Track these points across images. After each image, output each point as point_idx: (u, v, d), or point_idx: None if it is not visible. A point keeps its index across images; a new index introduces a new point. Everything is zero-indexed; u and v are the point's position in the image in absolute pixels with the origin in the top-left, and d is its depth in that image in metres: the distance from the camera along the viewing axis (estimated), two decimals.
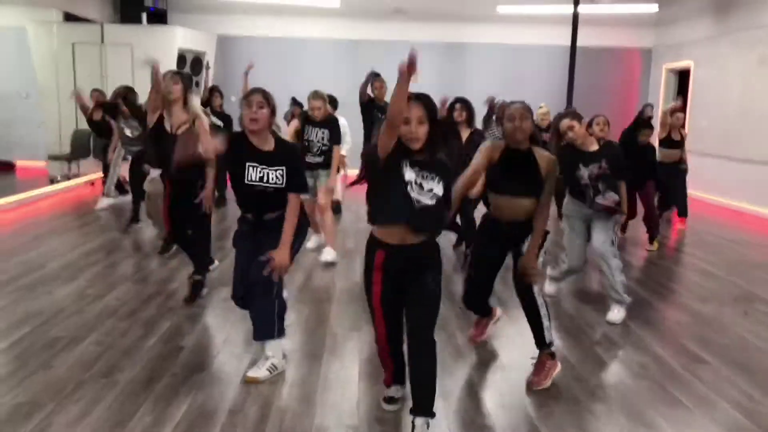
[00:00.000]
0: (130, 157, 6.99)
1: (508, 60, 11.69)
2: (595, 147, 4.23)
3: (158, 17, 10.68)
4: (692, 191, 10.25)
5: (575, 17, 9.75)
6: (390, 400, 2.95)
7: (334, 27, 11.49)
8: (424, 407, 2.59)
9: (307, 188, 4.36)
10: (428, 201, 2.50)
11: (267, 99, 3.16)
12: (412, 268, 2.62)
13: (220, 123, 7.56)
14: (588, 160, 4.17)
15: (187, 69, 10.70)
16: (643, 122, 6.54)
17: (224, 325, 3.99)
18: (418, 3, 10.70)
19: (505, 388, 3.23)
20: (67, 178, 9.73)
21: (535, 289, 3.28)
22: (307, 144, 5.51)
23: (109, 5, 10.52)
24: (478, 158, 3.26)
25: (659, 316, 4.45)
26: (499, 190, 3.31)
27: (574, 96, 10.00)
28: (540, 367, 3.27)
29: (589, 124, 4.59)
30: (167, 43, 10.22)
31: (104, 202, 7.85)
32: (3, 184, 9.61)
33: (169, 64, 10.13)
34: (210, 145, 3.56)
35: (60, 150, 9.91)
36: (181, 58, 10.47)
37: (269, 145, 3.20)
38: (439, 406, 2.77)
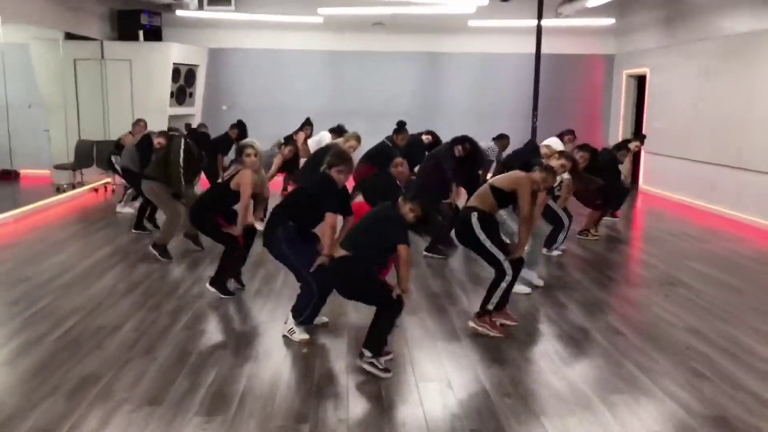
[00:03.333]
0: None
1: (480, 68, 12.57)
2: None
3: (154, 34, 11.45)
4: (648, 187, 11.29)
5: (539, 29, 10.66)
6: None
7: (317, 39, 12.31)
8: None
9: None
10: None
11: None
12: None
13: None
14: None
15: (181, 81, 11.51)
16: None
17: (237, 313, 4.85)
18: (396, 17, 11.55)
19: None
20: (72, 186, 10.48)
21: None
22: None
23: (108, 24, 11.28)
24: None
25: (593, 299, 5.36)
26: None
27: (541, 100, 10.90)
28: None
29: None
30: (163, 58, 11.04)
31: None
32: (9, 192, 10.34)
33: (165, 77, 10.97)
34: None
35: (66, 159, 10.66)
36: (176, 72, 11.27)
37: None
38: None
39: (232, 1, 11.37)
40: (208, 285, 5.20)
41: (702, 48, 9.72)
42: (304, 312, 4.29)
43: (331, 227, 4.11)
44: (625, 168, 8.77)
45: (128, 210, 8.55)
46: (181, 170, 6.31)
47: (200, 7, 11.23)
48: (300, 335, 4.30)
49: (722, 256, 6.93)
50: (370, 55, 12.49)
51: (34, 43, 10.90)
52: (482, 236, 4.43)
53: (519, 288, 5.23)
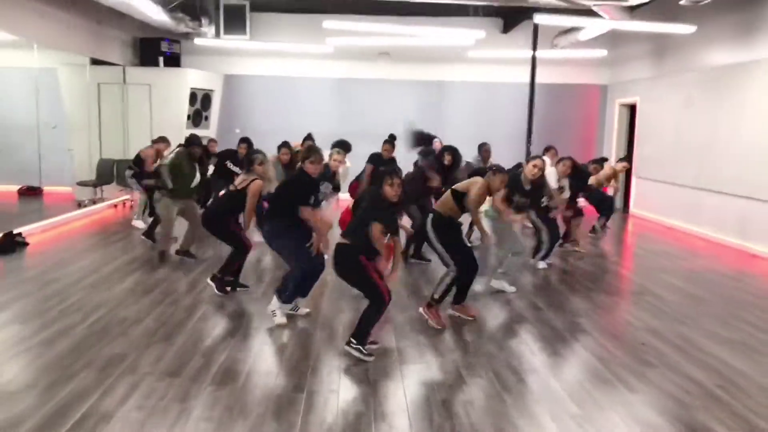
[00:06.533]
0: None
1: (479, 95, 13.28)
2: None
3: (173, 60, 12.23)
4: (638, 211, 11.84)
5: (533, 60, 11.33)
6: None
7: (327, 68, 13.06)
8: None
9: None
10: None
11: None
12: None
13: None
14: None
15: (197, 104, 12.26)
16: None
17: (246, 309, 5.45)
18: (400, 47, 12.27)
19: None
20: (93, 202, 11.15)
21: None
22: None
23: (131, 51, 12.07)
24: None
25: (567, 304, 5.90)
26: None
27: (539, 127, 11.50)
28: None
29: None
30: (181, 83, 11.81)
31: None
32: (33, 207, 11.01)
33: (183, 100, 11.71)
34: None
35: (88, 176, 11.34)
36: (193, 96, 12.03)
37: None
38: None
39: (247, 31, 12.16)
40: (208, 279, 5.91)
41: (686, 79, 10.35)
42: (284, 293, 5.06)
43: (311, 217, 4.95)
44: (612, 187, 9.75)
45: (141, 223, 9.17)
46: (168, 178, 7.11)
47: (217, 36, 12.02)
48: (279, 319, 5.04)
49: (695, 272, 7.47)
50: (376, 82, 13.21)
51: (62, 67, 11.64)
52: (432, 236, 5.16)
53: (505, 286, 6.11)
